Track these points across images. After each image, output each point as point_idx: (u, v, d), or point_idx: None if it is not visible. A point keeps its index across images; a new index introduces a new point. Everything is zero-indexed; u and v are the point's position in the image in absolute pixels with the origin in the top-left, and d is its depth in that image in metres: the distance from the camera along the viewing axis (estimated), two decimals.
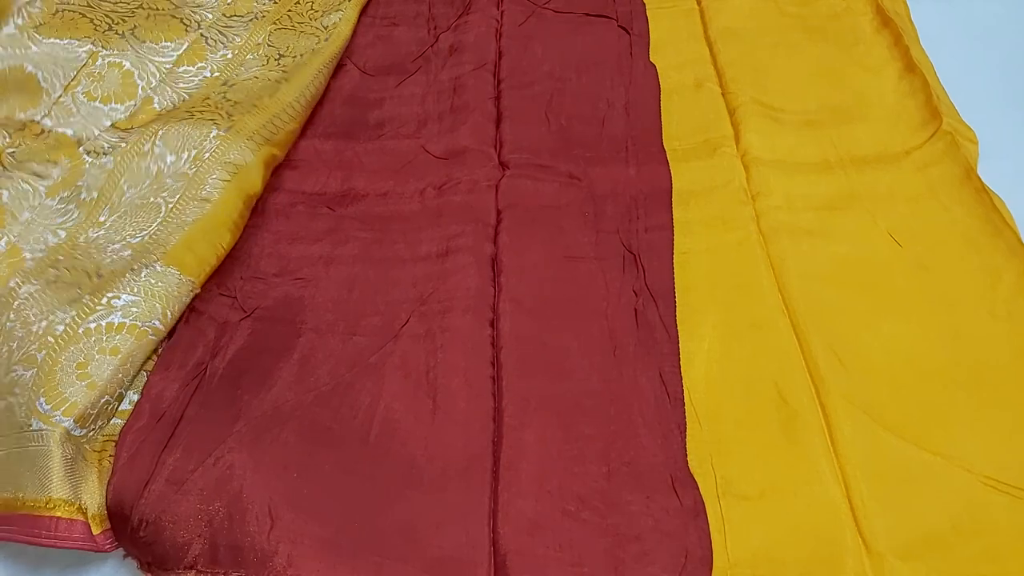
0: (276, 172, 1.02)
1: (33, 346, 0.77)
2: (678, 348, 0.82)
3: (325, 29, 1.19)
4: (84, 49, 1.10)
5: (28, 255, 0.87)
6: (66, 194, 0.93)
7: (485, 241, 0.92)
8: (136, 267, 0.83)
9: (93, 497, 0.71)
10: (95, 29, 1.13)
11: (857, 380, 0.79)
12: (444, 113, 1.09)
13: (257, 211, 0.97)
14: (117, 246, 0.87)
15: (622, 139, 1.04)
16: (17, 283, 0.84)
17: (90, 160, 0.97)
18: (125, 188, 0.94)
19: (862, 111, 1.07)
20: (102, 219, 0.91)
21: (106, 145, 0.99)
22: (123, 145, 0.97)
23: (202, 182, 0.92)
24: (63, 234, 0.90)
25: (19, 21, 1.11)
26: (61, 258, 0.86)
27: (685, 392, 0.79)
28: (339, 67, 1.16)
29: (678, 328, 0.84)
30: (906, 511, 0.71)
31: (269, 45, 1.17)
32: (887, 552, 0.68)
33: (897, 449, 0.75)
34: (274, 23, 1.20)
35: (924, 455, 0.74)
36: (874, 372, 0.80)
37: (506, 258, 0.90)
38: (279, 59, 1.15)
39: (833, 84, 1.11)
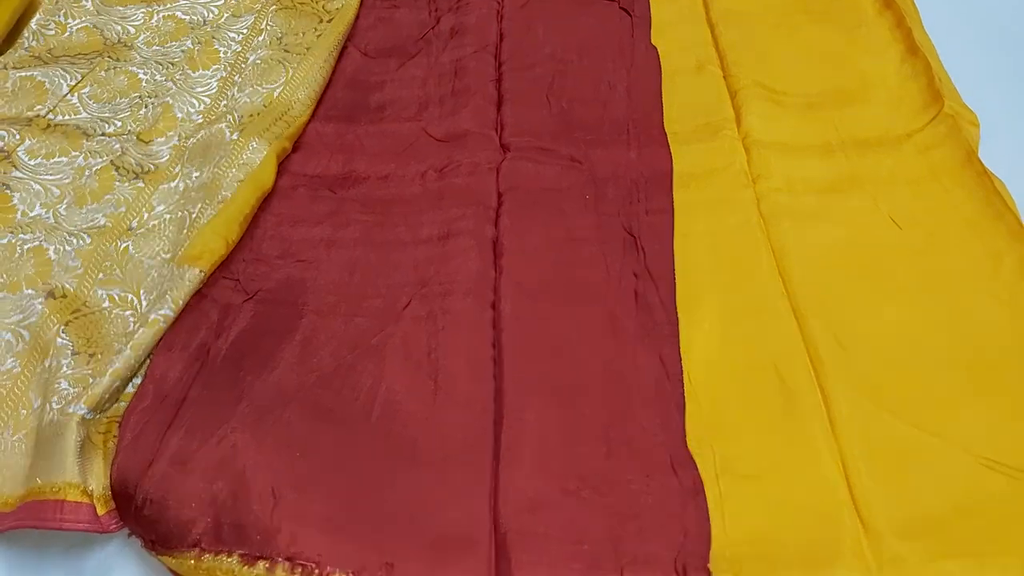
0: None
1: (86, 368, 0.80)
2: (678, 330, 0.83)
3: (327, 12, 1.19)
4: (93, 60, 1.13)
5: (53, 256, 0.90)
6: (94, 205, 0.96)
7: (486, 224, 0.92)
8: (166, 280, 0.86)
9: (99, 479, 0.71)
10: (105, 43, 1.15)
11: (857, 362, 0.79)
12: (445, 96, 1.08)
13: None
14: (152, 262, 0.90)
15: (623, 122, 1.04)
16: (57, 292, 0.87)
17: (119, 178, 0.99)
18: (155, 204, 0.97)
19: (864, 94, 1.06)
20: (133, 226, 0.94)
21: (134, 163, 1.01)
22: (152, 168, 1.00)
23: (219, 185, 0.94)
24: (88, 239, 0.92)
25: (34, 44, 1.14)
26: (109, 264, 0.90)
27: (685, 374, 0.79)
28: (340, 49, 1.16)
29: (678, 310, 0.84)
30: (905, 492, 0.71)
31: (271, 26, 1.17)
32: (885, 532, 0.68)
33: (896, 430, 0.75)
34: (275, 3, 1.20)
35: (923, 436, 0.74)
36: (874, 354, 0.80)
37: (507, 241, 0.90)
38: (280, 39, 1.15)
39: (835, 67, 1.10)
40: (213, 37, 1.16)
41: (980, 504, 0.70)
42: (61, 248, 0.91)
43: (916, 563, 0.66)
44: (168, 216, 0.95)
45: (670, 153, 1.00)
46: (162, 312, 0.81)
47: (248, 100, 1.07)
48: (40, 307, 0.85)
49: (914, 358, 0.80)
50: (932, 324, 0.83)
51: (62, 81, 1.09)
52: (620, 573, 0.66)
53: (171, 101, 1.08)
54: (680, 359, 0.80)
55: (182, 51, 1.15)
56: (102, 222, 0.94)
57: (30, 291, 0.87)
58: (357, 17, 1.20)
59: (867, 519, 0.69)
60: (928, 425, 0.75)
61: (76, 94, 1.08)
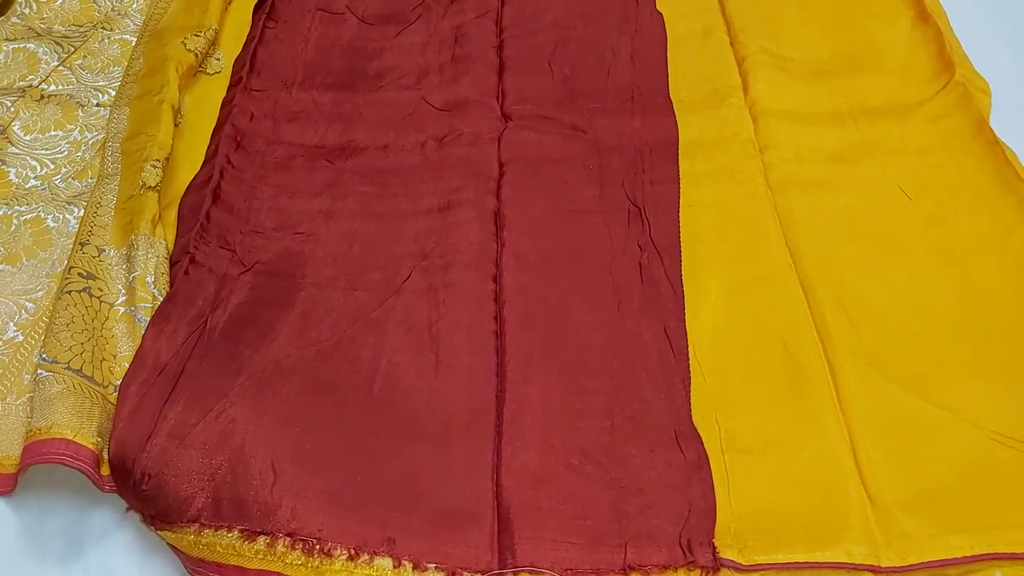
0: (274, 124, 1.00)
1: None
2: (683, 303, 0.81)
3: None
4: (87, 32, 1.11)
5: (52, 224, 0.91)
6: (79, 185, 0.95)
7: (487, 195, 0.90)
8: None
9: (104, 436, 0.71)
10: (98, 12, 1.14)
11: (864, 334, 0.78)
12: (445, 63, 1.06)
13: (256, 164, 0.95)
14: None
15: (628, 89, 1.02)
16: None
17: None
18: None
19: (874, 61, 1.04)
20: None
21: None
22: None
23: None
24: (79, 225, 0.92)
25: (27, 11, 1.12)
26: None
27: (690, 347, 0.78)
28: (337, 16, 1.13)
29: (683, 282, 0.83)
30: (912, 465, 0.70)
31: None
32: (892, 506, 0.68)
33: (903, 403, 0.74)
34: None
35: (930, 409, 0.74)
36: (881, 326, 0.79)
37: (509, 212, 0.89)
38: None
39: (844, 33, 1.08)
40: None
41: (987, 478, 0.70)
42: (61, 216, 0.91)
43: (923, 537, 0.66)
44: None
45: (676, 122, 0.98)
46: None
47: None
48: (47, 282, 0.86)
49: (922, 331, 0.79)
50: (940, 296, 0.82)
51: (55, 52, 1.08)
52: (624, 548, 0.66)
53: None
54: (685, 332, 0.79)
55: None
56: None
57: (30, 262, 0.87)
58: None
59: (874, 493, 0.69)
60: (936, 398, 0.74)
61: (69, 64, 1.07)
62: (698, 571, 0.65)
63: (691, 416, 0.74)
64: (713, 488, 0.69)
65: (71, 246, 0.88)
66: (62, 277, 0.82)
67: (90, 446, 0.70)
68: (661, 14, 1.11)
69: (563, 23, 1.10)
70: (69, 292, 0.79)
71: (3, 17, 1.12)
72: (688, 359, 0.77)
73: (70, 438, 0.69)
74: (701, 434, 0.72)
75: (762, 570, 0.65)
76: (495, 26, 1.11)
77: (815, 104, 1.00)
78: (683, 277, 0.83)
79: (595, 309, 0.81)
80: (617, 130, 0.98)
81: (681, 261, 0.85)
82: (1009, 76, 1.02)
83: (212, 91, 1.05)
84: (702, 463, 0.70)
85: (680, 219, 0.88)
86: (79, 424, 0.70)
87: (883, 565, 0.64)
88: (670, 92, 1.02)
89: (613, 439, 0.72)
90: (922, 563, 0.65)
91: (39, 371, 0.74)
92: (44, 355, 0.75)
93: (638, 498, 0.69)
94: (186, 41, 1.03)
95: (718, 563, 0.65)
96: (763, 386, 0.75)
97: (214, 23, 1.08)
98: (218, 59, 1.08)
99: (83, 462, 0.69)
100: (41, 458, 0.68)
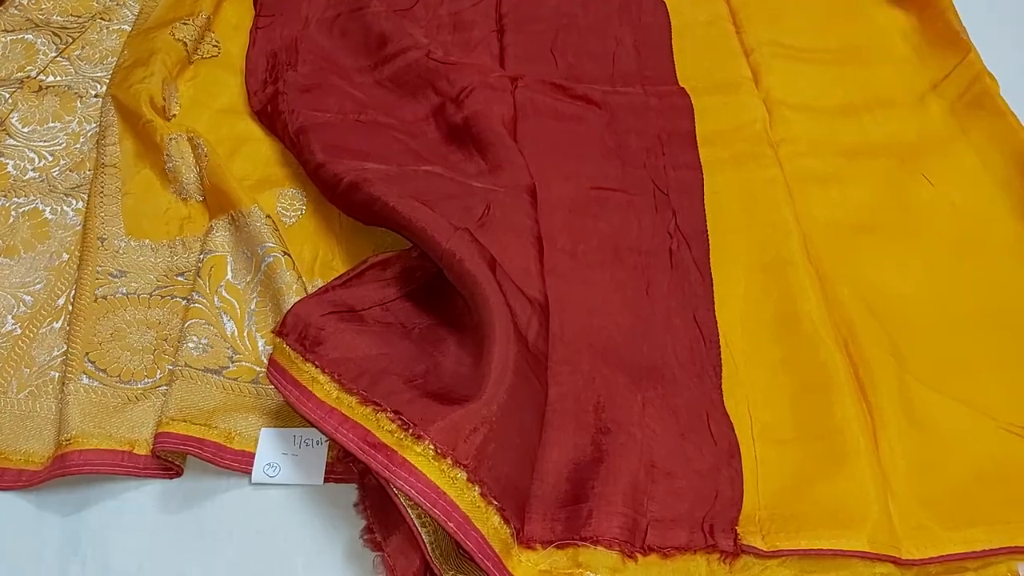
0: None
1: None
2: (712, 292, 0.80)
3: None
4: (85, 24, 1.10)
5: (50, 216, 0.90)
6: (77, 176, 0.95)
7: None
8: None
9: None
10: (96, 2, 1.13)
11: (886, 328, 0.77)
12: (447, 48, 1.04)
13: None
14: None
15: (635, 76, 1.00)
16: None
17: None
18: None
19: (883, 48, 1.03)
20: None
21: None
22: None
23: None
24: (76, 216, 0.91)
25: (25, 2, 1.12)
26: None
27: (721, 336, 0.77)
28: None
29: (712, 271, 0.81)
30: (931, 458, 0.69)
31: None
32: (912, 499, 0.67)
33: (924, 397, 0.73)
34: None
35: (949, 403, 0.73)
36: (903, 320, 0.78)
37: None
38: None
39: (849, 20, 1.06)
40: None
41: (1005, 471, 0.69)
42: (58, 208, 0.90)
43: (942, 530, 0.65)
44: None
45: (691, 105, 0.96)
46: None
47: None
48: (45, 275, 0.85)
49: (939, 323, 0.78)
50: (959, 288, 0.81)
51: (53, 43, 1.07)
52: (645, 529, 0.64)
53: None
54: (716, 322, 0.78)
55: None
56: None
57: (28, 255, 0.86)
58: None
59: (895, 486, 0.67)
60: (954, 391, 0.73)
61: (67, 55, 1.06)
62: (717, 555, 0.64)
63: (724, 403, 0.73)
64: (742, 477, 0.68)
65: (70, 238, 0.88)
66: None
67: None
68: (664, 2, 1.09)
69: (564, 10, 1.08)
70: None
71: (1, 8, 1.11)
72: (719, 348, 0.76)
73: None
74: (733, 422, 0.71)
75: (783, 556, 0.63)
76: (495, 12, 1.08)
77: (828, 97, 0.98)
78: (712, 266, 0.82)
79: (623, 291, 0.80)
80: (631, 109, 0.95)
81: (709, 250, 0.83)
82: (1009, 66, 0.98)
83: (209, 75, 1.03)
84: (733, 452, 0.69)
85: (705, 207, 0.86)
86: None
87: (903, 557, 0.63)
88: (679, 81, 1.00)
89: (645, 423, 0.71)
90: (940, 556, 0.64)
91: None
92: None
93: (666, 480, 0.67)
94: (175, 31, 1.02)
95: (739, 549, 0.64)
96: (792, 378, 0.74)
97: (206, 9, 1.06)
98: (215, 45, 1.06)
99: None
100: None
